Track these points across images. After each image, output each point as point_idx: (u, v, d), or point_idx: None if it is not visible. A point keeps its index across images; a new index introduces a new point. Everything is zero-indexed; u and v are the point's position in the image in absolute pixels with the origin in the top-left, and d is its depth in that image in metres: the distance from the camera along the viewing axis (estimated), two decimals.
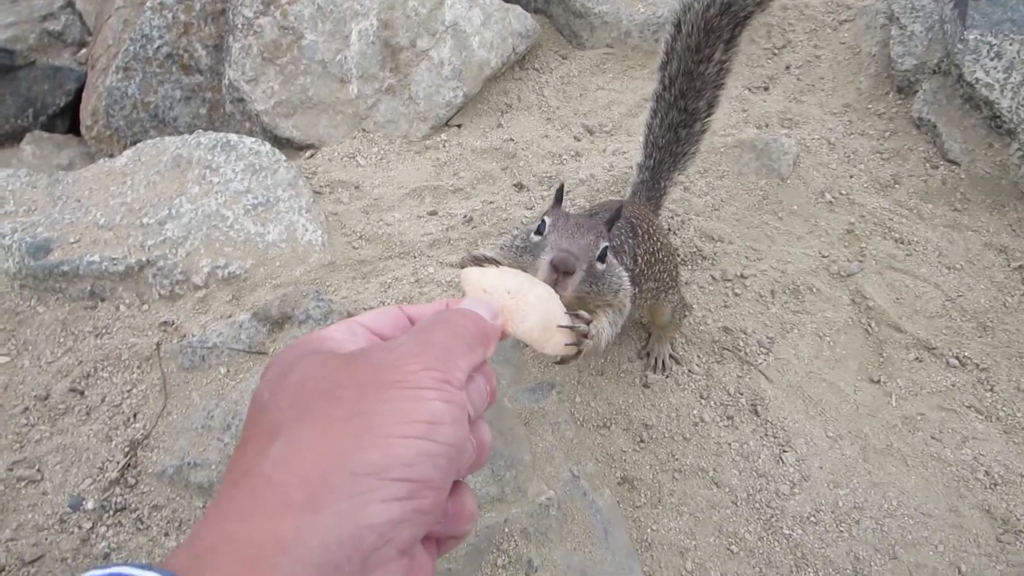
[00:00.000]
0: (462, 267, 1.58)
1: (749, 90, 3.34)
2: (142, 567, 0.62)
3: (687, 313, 2.40)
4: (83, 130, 4.13)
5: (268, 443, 0.71)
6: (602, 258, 1.65)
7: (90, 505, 2.06)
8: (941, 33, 3.02)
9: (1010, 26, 2.78)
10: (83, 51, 4.71)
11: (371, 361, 0.77)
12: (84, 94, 4.24)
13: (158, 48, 3.49)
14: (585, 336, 1.54)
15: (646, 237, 2.16)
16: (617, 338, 1.99)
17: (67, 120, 4.67)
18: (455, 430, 0.74)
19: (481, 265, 1.54)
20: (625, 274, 1.84)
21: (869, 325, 2.59)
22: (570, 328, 1.20)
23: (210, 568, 0.63)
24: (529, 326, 1.01)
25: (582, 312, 1.59)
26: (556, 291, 1.22)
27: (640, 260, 2.09)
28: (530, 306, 1.03)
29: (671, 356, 2.41)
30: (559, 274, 1.49)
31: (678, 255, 2.52)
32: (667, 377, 2.38)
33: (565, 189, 1.82)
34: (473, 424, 0.83)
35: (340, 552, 0.64)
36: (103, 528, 2.03)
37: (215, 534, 0.66)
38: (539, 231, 1.61)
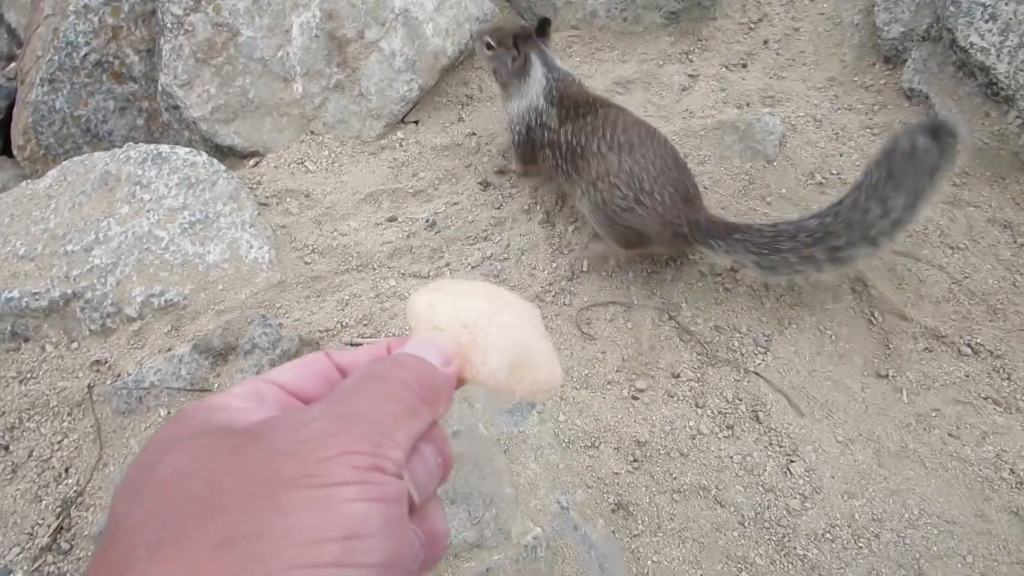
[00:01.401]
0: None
1: (726, 68, 3.13)
2: None
3: (603, 220, 2.43)
4: (15, 151, 3.83)
5: None
6: (489, 47, 2.49)
7: None
8: None
9: None
10: (12, 65, 4.40)
11: (270, 447, 0.55)
12: (15, 111, 3.93)
13: (85, 56, 3.21)
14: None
15: (586, 113, 2.38)
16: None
17: None
18: (386, 542, 0.54)
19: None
20: (533, 83, 2.44)
21: (872, 315, 2.39)
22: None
23: None
24: (491, 369, 0.77)
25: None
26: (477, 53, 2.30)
27: (574, 136, 2.33)
28: (493, 341, 0.78)
29: (591, 260, 2.49)
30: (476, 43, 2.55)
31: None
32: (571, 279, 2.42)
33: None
34: (420, 510, 0.63)
35: None
36: None
37: None
38: (488, 47, 2.50)
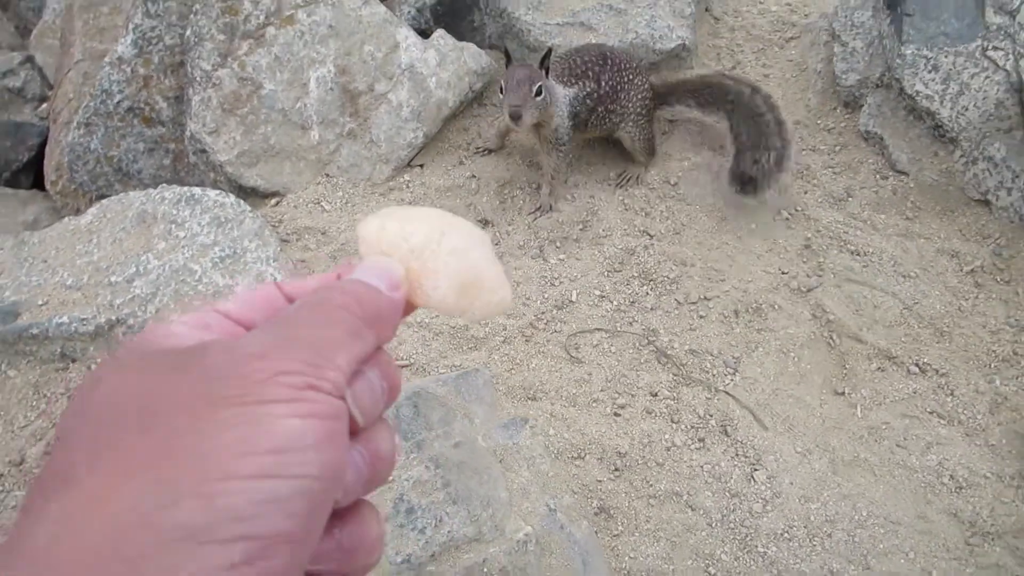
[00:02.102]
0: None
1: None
2: None
3: (650, 149, 3.17)
4: (48, 185, 4.12)
5: (47, 502, 0.51)
6: (539, 93, 2.69)
7: None
8: (881, 48, 3.13)
9: (944, 39, 2.90)
10: (44, 105, 4.71)
11: (205, 366, 0.56)
12: (47, 149, 4.24)
13: (118, 102, 3.51)
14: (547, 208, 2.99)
15: (616, 70, 3.01)
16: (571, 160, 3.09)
17: (31, 175, 4.66)
18: (320, 456, 0.54)
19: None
20: (561, 103, 2.87)
21: (831, 338, 2.66)
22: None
23: None
24: (442, 293, 0.77)
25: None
26: (517, 127, 2.72)
27: (604, 84, 2.98)
28: (443, 264, 0.78)
29: (638, 178, 3.13)
30: (516, 120, 2.67)
31: (652, 100, 3.18)
32: (623, 189, 3.11)
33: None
34: (366, 432, 0.63)
35: None
36: None
37: None
38: (501, 90, 2.74)
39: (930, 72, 2.91)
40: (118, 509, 0.48)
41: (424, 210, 0.86)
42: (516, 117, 2.62)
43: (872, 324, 2.70)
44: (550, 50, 2.80)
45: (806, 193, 3.08)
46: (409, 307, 0.72)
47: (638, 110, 3.06)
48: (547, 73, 2.77)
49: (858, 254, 2.88)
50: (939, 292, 2.79)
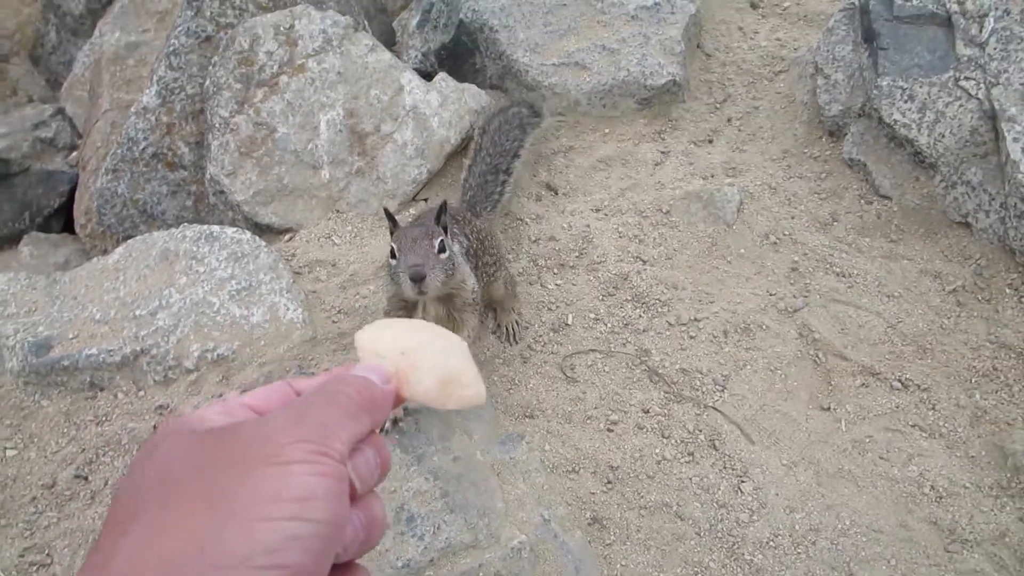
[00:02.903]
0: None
1: (694, 144, 3.59)
2: None
3: (516, 284, 2.88)
4: (77, 228, 4.36)
5: (123, 533, 0.66)
6: (442, 249, 2.13)
7: None
8: (861, 80, 3.28)
9: (918, 71, 3.05)
10: (74, 154, 4.98)
11: (240, 436, 0.73)
12: (77, 194, 4.48)
13: (143, 149, 3.74)
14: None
15: (466, 222, 2.71)
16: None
17: (62, 220, 4.91)
18: (330, 506, 0.70)
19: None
20: (461, 257, 2.37)
21: (817, 356, 2.78)
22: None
23: None
24: (426, 387, 0.95)
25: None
26: (418, 294, 2.00)
27: (471, 236, 2.63)
28: (427, 365, 0.96)
29: (517, 323, 2.83)
30: (419, 283, 2.02)
31: (499, 240, 2.99)
32: (517, 343, 2.80)
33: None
34: (363, 499, 0.80)
35: None
36: None
37: None
38: (392, 255, 2.13)
39: (906, 102, 3.06)
40: (177, 542, 0.64)
41: (412, 321, 1.12)
42: (419, 279, 2.00)
43: (857, 342, 2.82)
44: (445, 203, 2.25)
45: (793, 218, 3.22)
46: (399, 399, 0.91)
47: (500, 254, 2.79)
48: (446, 231, 2.21)
49: (843, 276, 3.01)
50: (922, 311, 2.90)
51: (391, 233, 2.20)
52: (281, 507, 0.66)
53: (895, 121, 3.06)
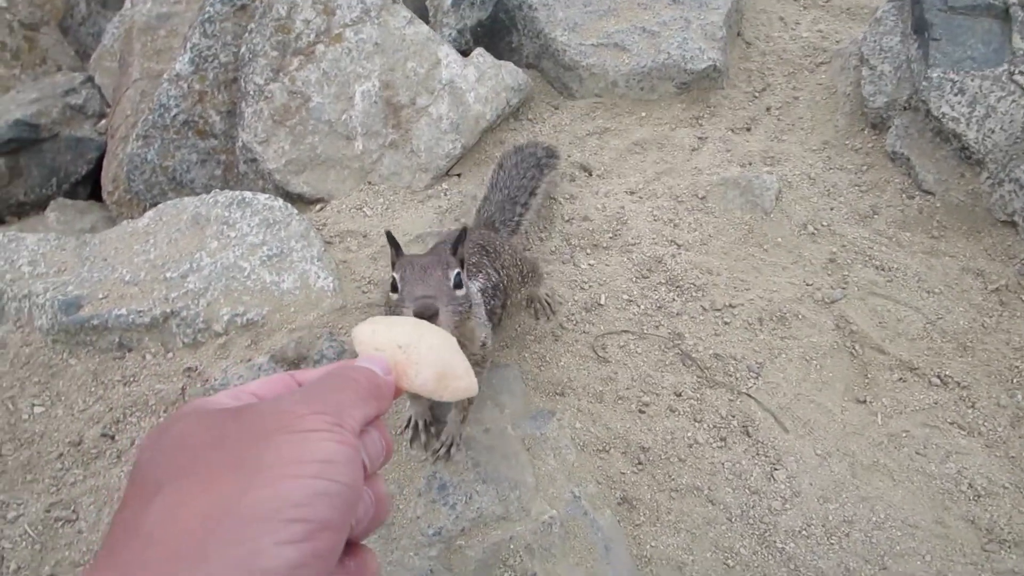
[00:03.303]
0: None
1: (732, 131, 3.53)
2: None
3: (542, 275, 2.73)
4: (104, 196, 4.35)
5: (147, 501, 0.67)
6: (458, 285, 1.70)
7: None
8: (908, 72, 3.21)
9: (970, 63, 2.98)
10: (102, 122, 4.98)
11: (258, 411, 0.75)
12: (104, 162, 4.48)
13: (175, 116, 3.73)
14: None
15: (497, 255, 2.41)
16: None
17: (88, 187, 4.92)
18: (350, 471, 0.72)
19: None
20: (479, 298, 1.99)
21: (853, 348, 2.72)
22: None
23: None
24: (424, 379, 1.00)
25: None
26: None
27: (501, 272, 2.35)
28: (423, 359, 1.01)
29: (550, 296, 2.77)
30: (427, 319, 1.46)
31: (526, 253, 2.84)
32: (553, 315, 2.76)
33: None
34: (370, 478, 0.82)
35: None
36: None
37: None
38: (393, 288, 1.66)
39: (956, 95, 2.99)
40: (207, 502, 0.65)
41: (405, 317, 1.17)
42: (429, 311, 1.53)
43: (895, 336, 2.76)
44: (465, 230, 1.83)
45: (832, 209, 3.16)
46: (397, 391, 0.96)
47: (534, 270, 2.63)
48: (462, 265, 1.80)
49: (883, 269, 2.95)
50: (963, 308, 2.83)
51: (393, 264, 1.75)
52: (305, 467, 0.68)
53: (943, 114, 2.99)
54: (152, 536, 0.64)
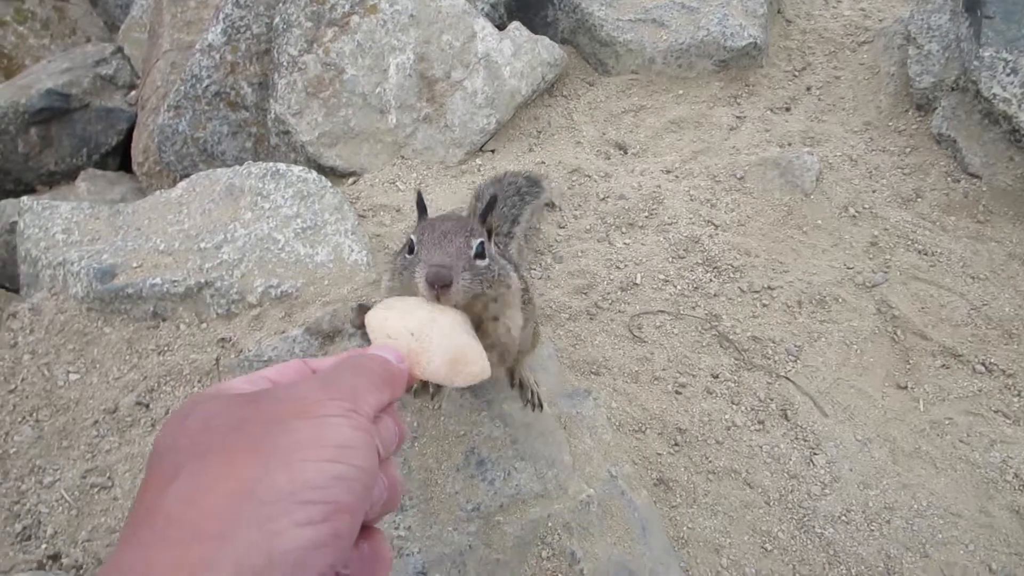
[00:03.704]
0: (355, 319, 1.41)
1: (771, 111, 3.46)
2: None
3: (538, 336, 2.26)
4: (134, 167, 4.36)
5: (167, 484, 0.68)
6: (480, 254, 1.52)
7: None
8: (957, 51, 3.12)
9: None
10: (132, 93, 4.98)
11: (276, 397, 0.77)
12: (135, 133, 4.48)
13: (207, 87, 3.71)
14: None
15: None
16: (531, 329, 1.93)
17: (118, 158, 4.93)
18: (366, 455, 0.73)
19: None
20: (508, 268, 1.71)
21: (895, 333, 2.67)
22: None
23: None
24: (436, 366, 0.99)
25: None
26: (442, 303, 1.26)
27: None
28: (435, 346, 1.00)
29: (536, 383, 2.22)
30: (438, 289, 1.33)
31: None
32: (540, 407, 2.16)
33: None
34: (384, 463, 0.82)
35: None
36: None
37: (119, 574, 0.64)
38: (410, 250, 1.51)
39: (1008, 75, 2.90)
40: (227, 485, 0.67)
41: (416, 300, 1.14)
42: (439, 283, 1.34)
43: (938, 322, 2.70)
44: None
45: (874, 192, 3.08)
46: (411, 378, 0.96)
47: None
48: (490, 236, 1.65)
49: (926, 254, 2.88)
50: (1009, 295, 2.76)
51: (419, 219, 1.60)
52: (322, 451, 0.69)
53: (994, 95, 2.90)
54: (173, 516, 0.66)
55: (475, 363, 1.05)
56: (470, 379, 1.04)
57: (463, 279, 1.41)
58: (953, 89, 3.13)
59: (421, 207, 1.61)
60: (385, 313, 1.05)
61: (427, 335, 1.00)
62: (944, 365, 2.59)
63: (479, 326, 1.55)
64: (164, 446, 0.74)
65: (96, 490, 2.28)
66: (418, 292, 1.37)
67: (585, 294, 2.73)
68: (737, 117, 3.41)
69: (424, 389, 1.94)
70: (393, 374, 0.89)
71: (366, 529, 0.82)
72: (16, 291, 3.08)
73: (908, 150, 3.23)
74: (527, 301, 1.94)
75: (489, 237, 1.62)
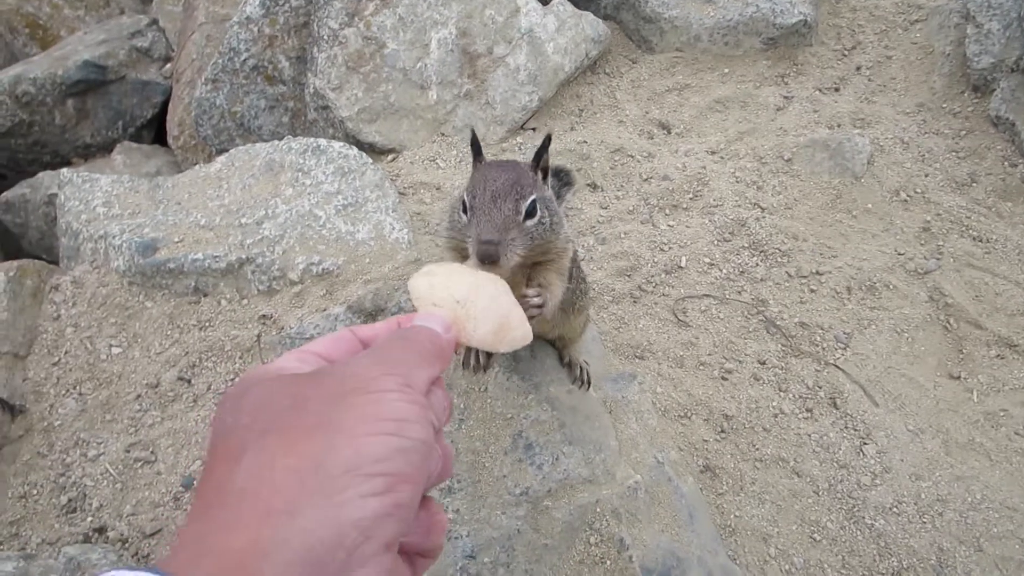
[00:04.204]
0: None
1: (820, 91, 3.36)
2: (135, 569, 0.64)
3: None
4: (170, 140, 4.35)
5: (236, 461, 0.71)
6: (531, 213, 1.51)
7: None
8: (1019, 30, 3.00)
9: None
10: (168, 66, 4.97)
11: (333, 374, 0.79)
12: (170, 106, 4.47)
13: (244, 60, 3.68)
14: (540, 308, 1.58)
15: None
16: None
17: (153, 131, 4.93)
18: (422, 428, 0.76)
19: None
20: (561, 215, 1.68)
21: (948, 322, 2.60)
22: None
23: None
24: (483, 333, 1.01)
25: (528, 292, 1.59)
26: (495, 272, 1.30)
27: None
28: (481, 313, 1.01)
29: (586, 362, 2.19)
30: (491, 262, 1.42)
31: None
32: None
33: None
34: (437, 434, 0.84)
35: (324, 552, 0.66)
36: None
37: (196, 549, 0.66)
38: (464, 210, 1.52)
39: None
40: (292, 460, 0.69)
41: (457, 265, 1.15)
42: (491, 259, 1.44)
43: (993, 311, 2.62)
44: (549, 137, 1.62)
45: (927, 176, 2.99)
46: (457, 345, 0.97)
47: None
48: (545, 176, 1.66)
49: (980, 240, 2.79)
50: None
51: (475, 163, 1.60)
52: (382, 425, 0.72)
53: None
54: (245, 492, 0.68)
55: (517, 328, 1.06)
56: (513, 344, 1.05)
57: (512, 247, 1.47)
58: (1014, 70, 3.02)
59: (476, 149, 1.60)
60: (430, 280, 1.05)
61: (472, 302, 1.01)
62: (999, 355, 2.52)
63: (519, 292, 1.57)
64: (226, 425, 0.76)
65: (140, 464, 2.28)
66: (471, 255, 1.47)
67: (629, 276, 2.68)
68: (784, 97, 3.32)
69: (468, 362, 1.88)
70: (442, 347, 0.91)
71: (422, 499, 0.84)
72: (55, 263, 3.09)
73: (963, 133, 3.13)
74: (582, 292, 1.96)
75: (545, 178, 1.65)
